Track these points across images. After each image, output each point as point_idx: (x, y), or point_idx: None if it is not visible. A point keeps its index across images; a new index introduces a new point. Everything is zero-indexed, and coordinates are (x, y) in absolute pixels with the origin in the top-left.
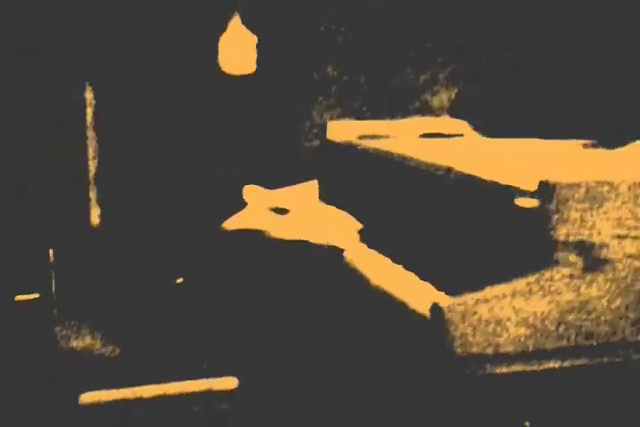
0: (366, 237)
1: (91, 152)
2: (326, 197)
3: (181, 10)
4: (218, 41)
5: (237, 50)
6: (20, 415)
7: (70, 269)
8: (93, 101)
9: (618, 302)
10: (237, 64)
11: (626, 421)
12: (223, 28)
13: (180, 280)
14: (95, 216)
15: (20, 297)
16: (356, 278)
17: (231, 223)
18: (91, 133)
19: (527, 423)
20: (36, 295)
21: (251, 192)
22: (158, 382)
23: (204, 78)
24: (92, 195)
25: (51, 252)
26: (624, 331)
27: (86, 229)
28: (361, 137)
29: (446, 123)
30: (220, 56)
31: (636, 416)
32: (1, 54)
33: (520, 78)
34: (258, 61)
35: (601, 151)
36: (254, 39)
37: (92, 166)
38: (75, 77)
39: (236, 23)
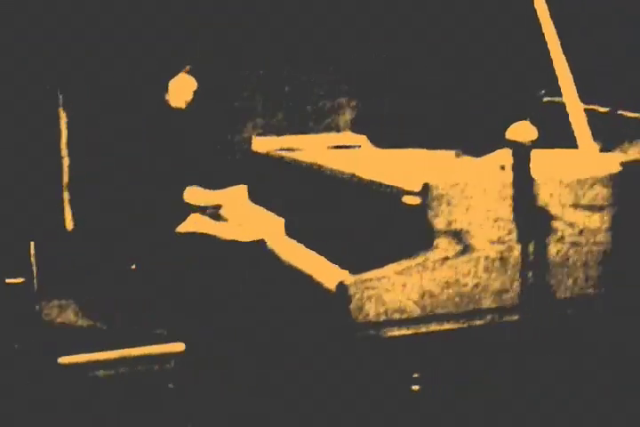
0: (286, 228)
1: (65, 162)
2: (254, 196)
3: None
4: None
5: (181, 91)
6: (8, 374)
7: (47, 259)
8: (66, 120)
9: (483, 276)
10: (180, 99)
11: (493, 371)
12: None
13: (133, 266)
14: (69, 217)
15: (8, 280)
16: (278, 262)
17: (182, 227)
18: (64, 150)
19: (415, 375)
20: (22, 279)
21: (191, 193)
22: (124, 347)
23: (160, 110)
24: (66, 199)
25: (32, 245)
26: (487, 299)
27: (61, 227)
28: (280, 149)
29: (348, 137)
30: (168, 93)
31: (500, 367)
32: None
33: (404, 102)
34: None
35: (469, 158)
36: (195, 85)
37: (66, 175)
38: (48, 88)
39: (184, 72)
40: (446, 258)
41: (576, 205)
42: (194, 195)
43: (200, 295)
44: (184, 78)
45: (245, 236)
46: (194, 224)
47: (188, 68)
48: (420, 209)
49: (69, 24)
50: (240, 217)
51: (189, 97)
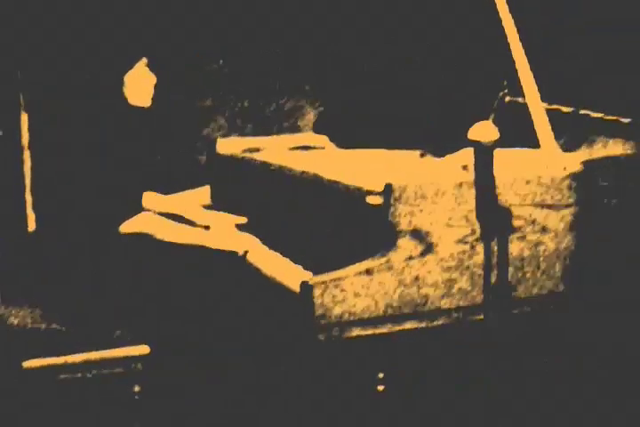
0: (250, 229)
1: (27, 163)
2: (217, 198)
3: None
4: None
5: (140, 86)
6: None
7: (9, 261)
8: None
9: (446, 276)
10: (139, 97)
11: (457, 371)
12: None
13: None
14: (31, 219)
15: None
16: (239, 263)
17: (126, 227)
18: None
19: (380, 375)
20: None
21: (149, 198)
22: (88, 350)
23: (122, 110)
24: (28, 200)
25: None
26: (451, 299)
27: (23, 228)
28: (244, 150)
29: (310, 138)
30: (125, 89)
31: (465, 366)
32: None
33: (367, 102)
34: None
35: (432, 159)
36: (154, 79)
37: (28, 176)
38: (9, 86)
39: (141, 64)
40: (409, 258)
41: (538, 205)
42: (152, 200)
43: (163, 298)
44: (141, 71)
45: (212, 241)
46: (142, 225)
47: (145, 60)
48: (383, 209)
49: (30, 24)
50: (203, 219)
51: (150, 92)
